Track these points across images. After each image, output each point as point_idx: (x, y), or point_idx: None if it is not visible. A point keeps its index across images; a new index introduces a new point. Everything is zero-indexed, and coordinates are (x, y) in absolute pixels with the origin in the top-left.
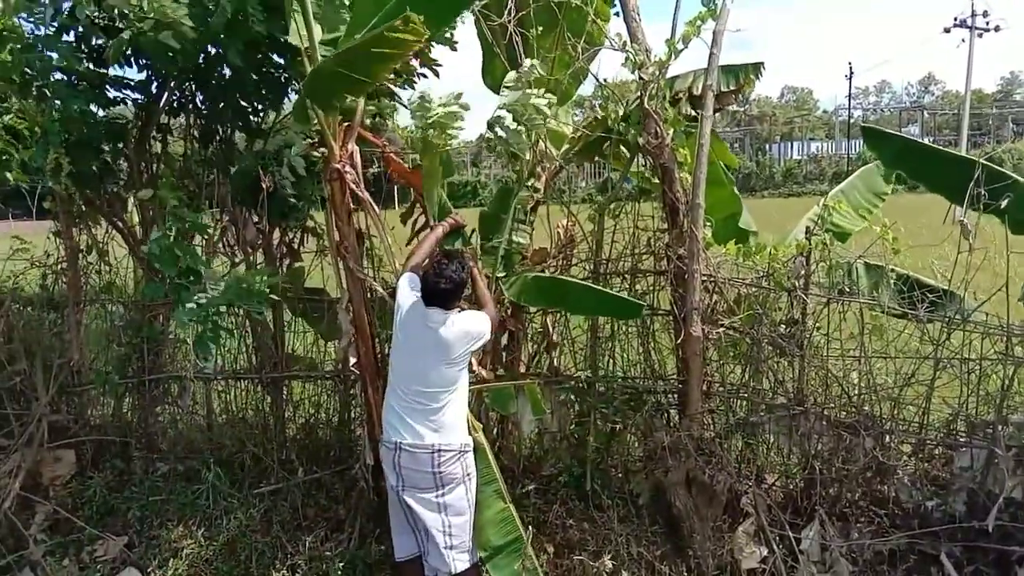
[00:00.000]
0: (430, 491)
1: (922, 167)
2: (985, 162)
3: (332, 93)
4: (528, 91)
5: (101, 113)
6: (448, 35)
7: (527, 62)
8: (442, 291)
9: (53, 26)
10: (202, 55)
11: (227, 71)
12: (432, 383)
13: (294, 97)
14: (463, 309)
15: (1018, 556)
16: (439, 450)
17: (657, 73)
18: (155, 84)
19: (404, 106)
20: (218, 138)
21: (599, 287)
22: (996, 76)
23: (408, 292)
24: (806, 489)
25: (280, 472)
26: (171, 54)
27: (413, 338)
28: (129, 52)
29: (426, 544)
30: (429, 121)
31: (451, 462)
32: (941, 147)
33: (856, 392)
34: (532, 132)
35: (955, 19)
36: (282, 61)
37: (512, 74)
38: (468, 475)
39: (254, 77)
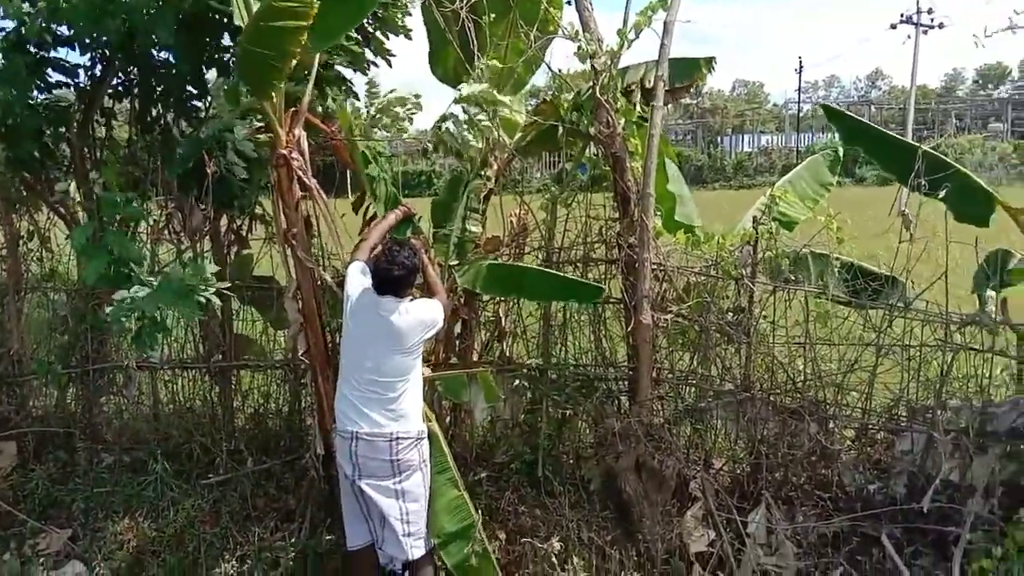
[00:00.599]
0: (387, 479)
1: (873, 147)
2: (928, 149)
3: (258, 73)
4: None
5: (41, 97)
6: (401, 23)
7: (484, 63)
8: (394, 278)
9: None
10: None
11: (163, 53)
12: (387, 372)
13: None
14: (415, 297)
15: (954, 536)
16: (397, 438)
17: (609, 63)
18: (98, 67)
19: (355, 96)
20: (160, 123)
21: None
22: (940, 72)
23: (358, 280)
24: (752, 474)
25: (229, 462)
26: (92, 31)
27: (365, 327)
28: (55, 28)
29: (381, 532)
30: (378, 108)
31: (408, 449)
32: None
33: (801, 378)
34: (480, 133)
35: (901, 16)
36: (228, 43)
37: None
38: (424, 462)
39: (188, 59)
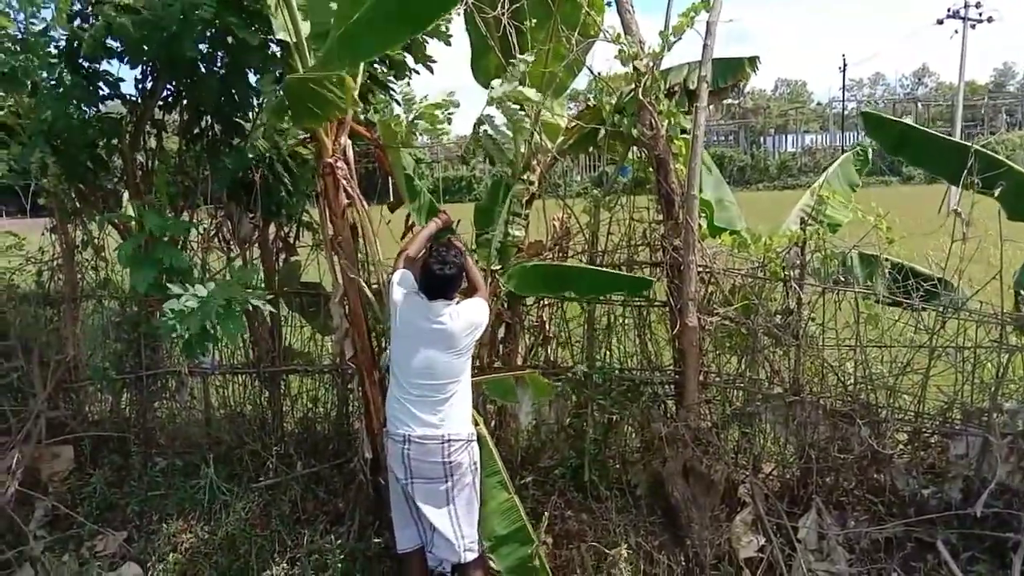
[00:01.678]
0: (439, 481)
1: (921, 153)
2: (980, 148)
3: (302, 116)
4: (518, 86)
5: (93, 110)
6: (444, 28)
7: (517, 60)
8: (446, 277)
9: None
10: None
11: (204, 67)
12: (439, 375)
13: None
14: (460, 300)
15: (1013, 543)
16: (448, 440)
17: (651, 65)
18: (149, 79)
19: (397, 102)
20: (208, 134)
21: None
22: (989, 67)
23: (403, 288)
24: (803, 478)
25: (279, 466)
26: (140, 44)
27: (417, 333)
28: (109, 43)
29: (431, 536)
30: (415, 115)
31: (460, 451)
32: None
33: (852, 381)
34: (519, 133)
35: (948, 10)
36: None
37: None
38: (475, 464)
39: (222, 73)
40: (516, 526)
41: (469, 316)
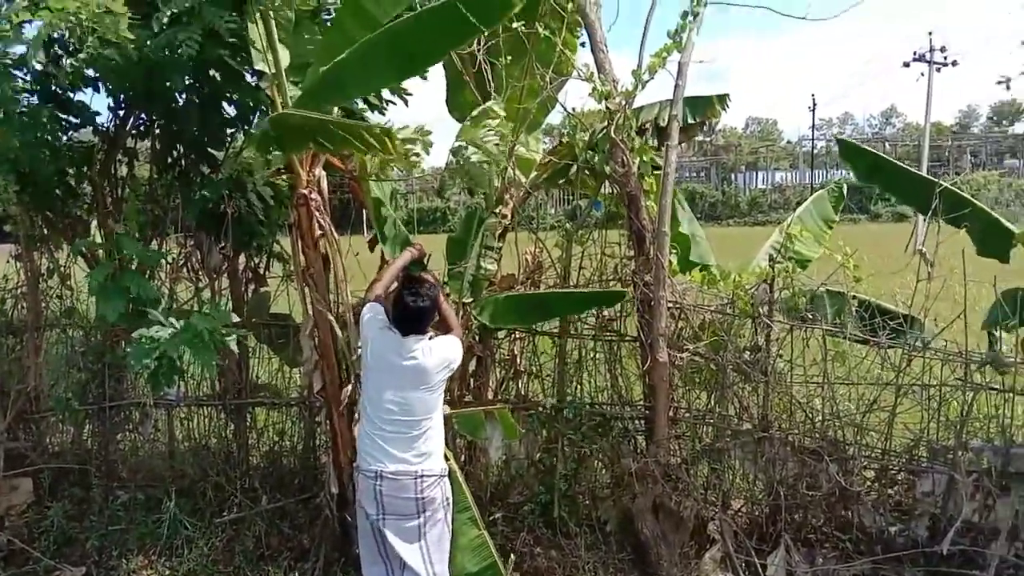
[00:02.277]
0: (412, 518)
1: (892, 182)
2: (947, 185)
3: (284, 148)
4: (486, 128)
5: (64, 137)
6: None
7: (489, 104)
8: (420, 309)
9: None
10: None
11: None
12: (412, 411)
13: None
14: (434, 335)
15: None
16: (422, 475)
17: (624, 103)
18: (121, 108)
19: None
20: (180, 164)
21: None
22: (955, 109)
23: (375, 322)
24: (771, 515)
25: (243, 500)
26: (121, 76)
27: (390, 368)
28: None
29: (401, 573)
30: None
31: (433, 487)
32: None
33: (820, 418)
34: (493, 165)
35: (914, 53)
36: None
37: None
38: (447, 500)
39: (199, 104)
40: (486, 563)
41: (443, 353)
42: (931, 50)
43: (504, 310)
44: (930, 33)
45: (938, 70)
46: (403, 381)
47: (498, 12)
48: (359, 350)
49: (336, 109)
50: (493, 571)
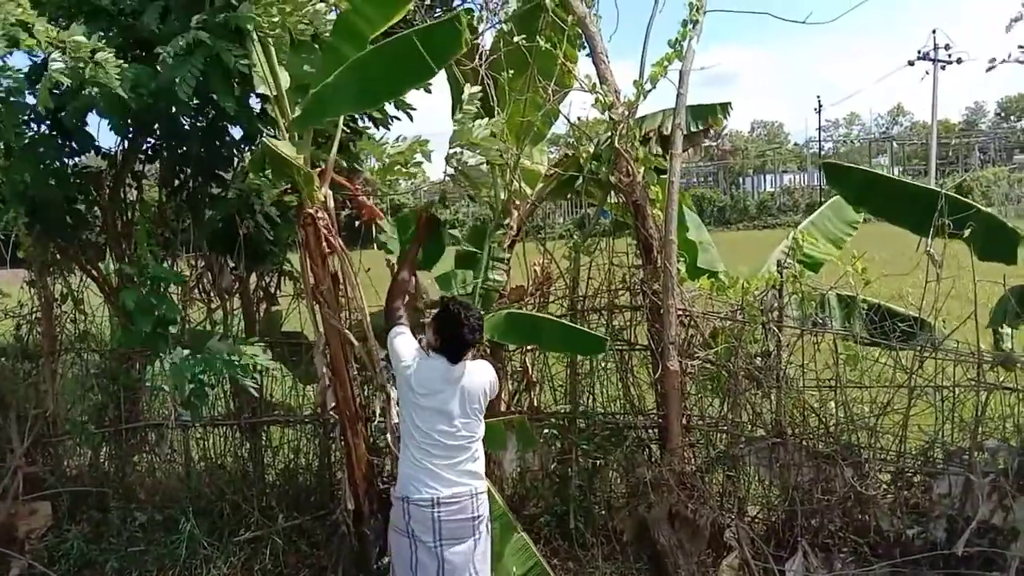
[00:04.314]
0: (468, 538)
1: (886, 202)
2: (949, 192)
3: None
4: (471, 123)
5: (71, 163)
6: None
7: (467, 91)
8: (476, 341)
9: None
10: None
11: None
12: (463, 435)
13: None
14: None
15: None
16: (476, 494)
17: (626, 113)
18: (128, 135)
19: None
20: (189, 186)
21: (566, 322)
22: (961, 106)
23: (411, 350)
24: (788, 520)
25: (260, 519)
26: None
27: (438, 395)
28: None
29: None
30: (387, 162)
31: (484, 504)
32: (908, 178)
33: (833, 422)
34: (499, 176)
35: (918, 52)
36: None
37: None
38: (490, 514)
39: (204, 127)
40: (531, 563)
41: (485, 374)
42: (935, 48)
43: (505, 327)
44: (933, 31)
45: (943, 68)
46: (453, 407)
47: (448, 52)
48: (382, 362)
49: (341, 121)
50: (538, 570)
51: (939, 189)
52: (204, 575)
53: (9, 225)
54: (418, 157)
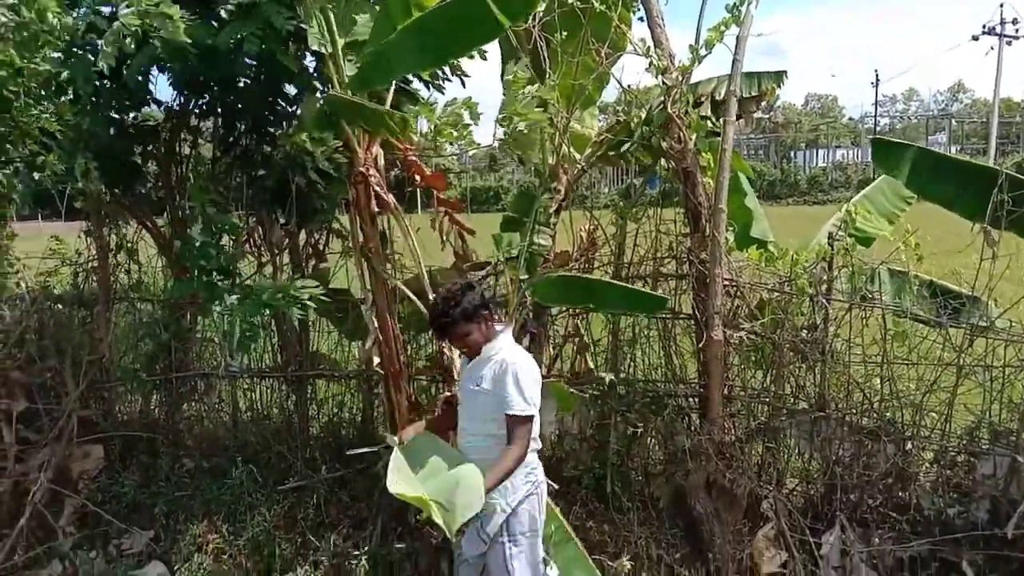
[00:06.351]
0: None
1: (939, 180)
2: (1011, 172)
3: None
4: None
5: (130, 116)
6: None
7: (516, 65)
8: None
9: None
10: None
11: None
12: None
13: None
14: None
15: None
16: None
17: (680, 78)
18: (184, 90)
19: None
20: (243, 143)
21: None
22: None
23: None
24: (827, 494)
25: (304, 470)
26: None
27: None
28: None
29: None
30: (436, 125)
31: None
32: (968, 156)
33: (878, 398)
34: (541, 131)
35: (984, 26)
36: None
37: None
38: None
39: (260, 86)
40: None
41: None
42: (1001, 22)
43: (554, 290)
44: (1001, 4)
45: (1009, 43)
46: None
47: (523, 8)
48: None
49: (394, 85)
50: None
51: (998, 167)
52: (249, 521)
53: (68, 177)
54: (467, 119)
